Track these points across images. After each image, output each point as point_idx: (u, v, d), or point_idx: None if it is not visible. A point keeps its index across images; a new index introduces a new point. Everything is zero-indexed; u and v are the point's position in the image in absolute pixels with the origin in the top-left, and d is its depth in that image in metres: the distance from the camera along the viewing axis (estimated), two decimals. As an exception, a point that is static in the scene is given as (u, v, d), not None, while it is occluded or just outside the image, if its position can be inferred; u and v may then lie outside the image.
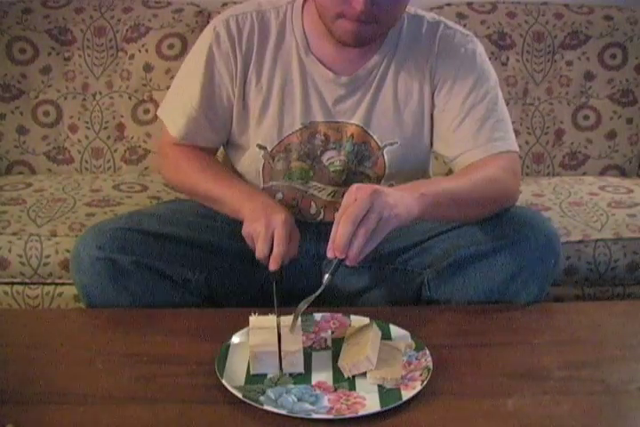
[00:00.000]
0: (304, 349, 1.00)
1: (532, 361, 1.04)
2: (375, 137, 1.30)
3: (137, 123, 2.01)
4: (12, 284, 1.60)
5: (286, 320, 1.03)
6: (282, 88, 1.28)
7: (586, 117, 2.07)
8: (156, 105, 1.98)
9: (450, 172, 1.37)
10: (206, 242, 1.26)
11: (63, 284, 1.59)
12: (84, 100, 2.00)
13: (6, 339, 1.11)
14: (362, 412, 0.91)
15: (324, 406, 0.92)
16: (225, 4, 2.06)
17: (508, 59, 2.06)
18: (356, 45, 1.22)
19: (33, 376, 0.99)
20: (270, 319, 1.04)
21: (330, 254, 0.99)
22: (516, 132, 1.35)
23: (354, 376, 0.98)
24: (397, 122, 1.29)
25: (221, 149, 1.41)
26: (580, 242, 1.61)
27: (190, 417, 0.91)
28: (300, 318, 1.03)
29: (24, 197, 1.75)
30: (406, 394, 0.94)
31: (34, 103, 2.00)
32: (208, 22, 1.97)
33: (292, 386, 0.96)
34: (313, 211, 1.35)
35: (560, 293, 1.61)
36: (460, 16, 2.05)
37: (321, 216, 1.35)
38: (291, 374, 0.99)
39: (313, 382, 0.98)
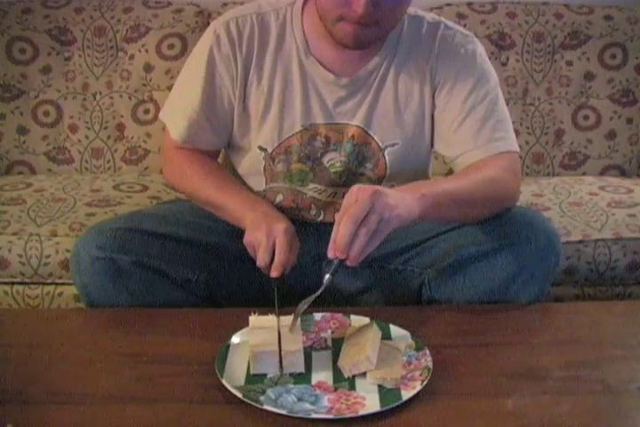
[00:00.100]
0: (304, 349, 1.00)
1: (532, 361, 1.04)
2: (376, 138, 1.30)
3: (137, 123, 2.01)
4: (12, 284, 1.60)
5: (286, 320, 1.03)
6: (282, 90, 1.28)
7: (586, 117, 2.08)
8: (156, 105, 1.99)
9: (450, 172, 1.38)
10: (206, 242, 1.26)
11: (63, 284, 1.59)
12: (84, 100, 2.01)
13: (6, 339, 1.11)
14: (362, 412, 0.91)
15: (324, 406, 0.92)
16: (225, 5, 2.06)
17: (507, 59, 2.06)
18: (357, 48, 1.22)
19: (33, 376, 0.99)
20: (270, 319, 1.04)
21: (331, 255, 1.00)
22: (516, 133, 1.35)
23: (354, 376, 0.98)
24: (398, 123, 1.29)
25: (222, 150, 1.41)
26: (579, 242, 1.61)
27: (190, 417, 0.91)
28: (299, 318, 1.03)
29: (24, 197, 1.75)
30: (406, 394, 0.94)
31: (34, 103, 2.00)
32: (208, 22, 1.98)
33: (292, 386, 0.96)
34: (313, 212, 1.35)
35: (560, 293, 1.61)
36: (460, 16, 2.05)
37: (321, 217, 1.35)
38: (291, 374, 0.99)
39: (313, 381, 0.98)
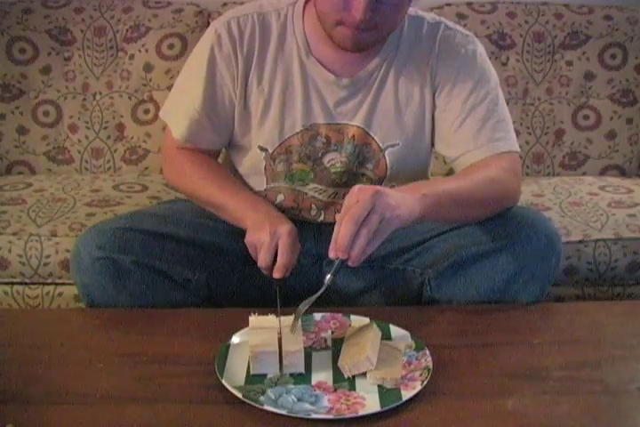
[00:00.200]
0: (304, 349, 1.00)
1: (532, 361, 1.04)
2: (376, 138, 1.30)
3: (137, 123, 2.01)
4: (12, 284, 1.60)
5: (287, 320, 1.03)
6: (283, 90, 1.28)
7: (586, 117, 2.07)
8: (156, 105, 1.99)
9: (450, 172, 1.38)
10: (206, 242, 1.26)
11: (63, 284, 1.59)
12: (84, 100, 2.01)
13: (6, 339, 1.11)
14: (362, 412, 0.91)
15: (324, 407, 0.92)
16: (225, 4, 2.06)
17: (508, 59, 2.06)
18: (356, 51, 1.22)
19: (33, 376, 0.99)
20: (270, 319, 1.04)
21: (332, 255, 0.99)
22: (517, 132, 1.35)
23: (354, 376, 0.98)
24: (398, 123, 1.29)
25: (223, 150, 1.41)
26: (580, 242, 1.61)
27: (190, 417, 0.91)
28: (300, 319, 1.03)
29: (24, 197, 1.75)
30: (406, 394, 0.94)
31: (34, 103, 2.00)
32: (208, 22, 1.98)
33: (292, 386, 0.96)
34: (313, 212, 1.35)
35: (560, 293, 1.61)
36: (460, 16, 2.05)
37: (321, 217, 1.35)
38: (291, 375, 0.99)
39: (313, 382, 0.98)
